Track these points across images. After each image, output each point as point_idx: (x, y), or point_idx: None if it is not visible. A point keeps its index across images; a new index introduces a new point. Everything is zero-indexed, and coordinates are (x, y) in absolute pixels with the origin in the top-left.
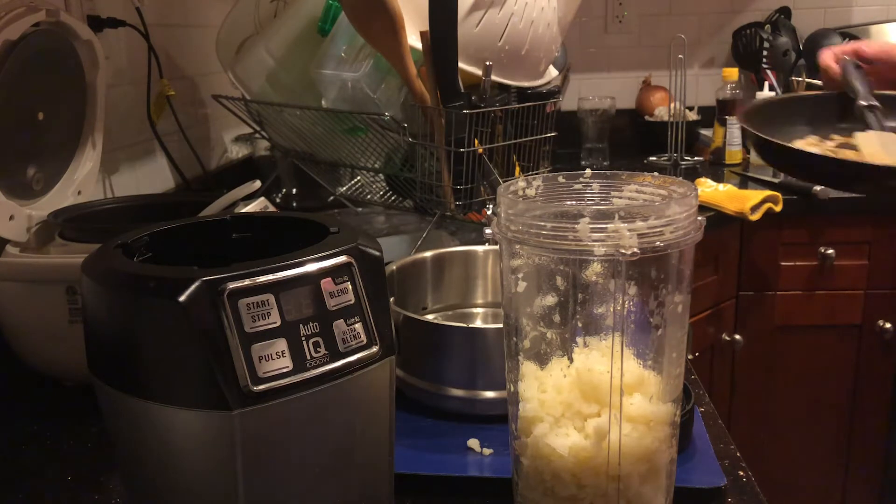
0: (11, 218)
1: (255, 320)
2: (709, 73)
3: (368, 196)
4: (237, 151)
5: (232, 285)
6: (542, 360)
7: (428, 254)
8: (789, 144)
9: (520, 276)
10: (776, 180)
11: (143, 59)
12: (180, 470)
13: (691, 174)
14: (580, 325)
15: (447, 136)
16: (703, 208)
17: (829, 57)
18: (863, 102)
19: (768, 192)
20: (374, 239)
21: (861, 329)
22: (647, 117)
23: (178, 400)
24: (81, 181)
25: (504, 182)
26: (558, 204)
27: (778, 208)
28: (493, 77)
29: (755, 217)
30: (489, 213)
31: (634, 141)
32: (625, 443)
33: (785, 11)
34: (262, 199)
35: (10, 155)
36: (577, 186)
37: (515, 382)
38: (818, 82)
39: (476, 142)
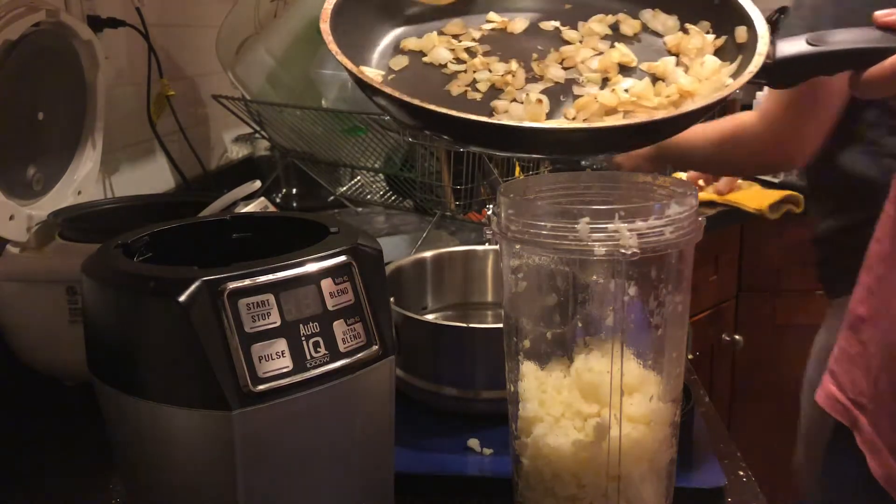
0: (11, 218)
1: (255, 320)
2: None
3: (368, 196)
4: (237, 151)
5: (232, 285)
6: (542, 359)
7: (428, 254)
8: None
9: (520, 276)
10: (776, 180)
11: (143, 59)
12: (180, 469)
13: None
14: (580, 325)
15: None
16: (719, 205)
17: None
18: None
19: (788, 192)
20: (374, 239)
21: None
22: None
23: (178, 400)
24: (81, 181)
25: (504, 182)
26: (558, 204)
27: (799, 209)
28: None
29: (775, 216)
30: (489, 213)
31: None
32: (625, 443)
33: (784, 11)
34: (262, 199)
35: (10, 155)
36: (577, 186)
37: (515, 382)
38: None
39: None
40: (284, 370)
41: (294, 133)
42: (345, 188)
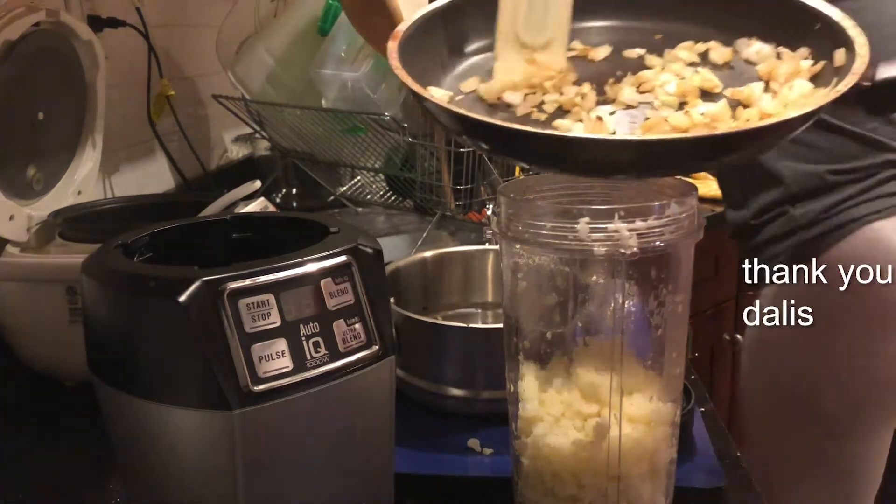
0: (11, 218)
1: (256, 320)
2: None
3: (368, 196)
4: (237, 151)
5: (232, 285)
6: (542, 359)
7: (428, 254)
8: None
9: (520, 276)
10: None
11: (144, 59)
12: (180, 470)
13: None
14: (580, 324)
15: (447, 135)
16: None
17: None
18: None
19: None
20: (374, 239)
21: None
22: None
23: (178, 400)
24: (81, 181)
25: (504, 182)
26: (558, 204)
27: None
28: None
29: None
30: (489, 213)
31: None
32: (625, 443)
33: None
34: (262, 199)
35: (10, 155)
36: (577, 186)
37: (515, 382)
38: None
39: None
40: (284, 370)
41: (294, 133)
42: (345, 188)
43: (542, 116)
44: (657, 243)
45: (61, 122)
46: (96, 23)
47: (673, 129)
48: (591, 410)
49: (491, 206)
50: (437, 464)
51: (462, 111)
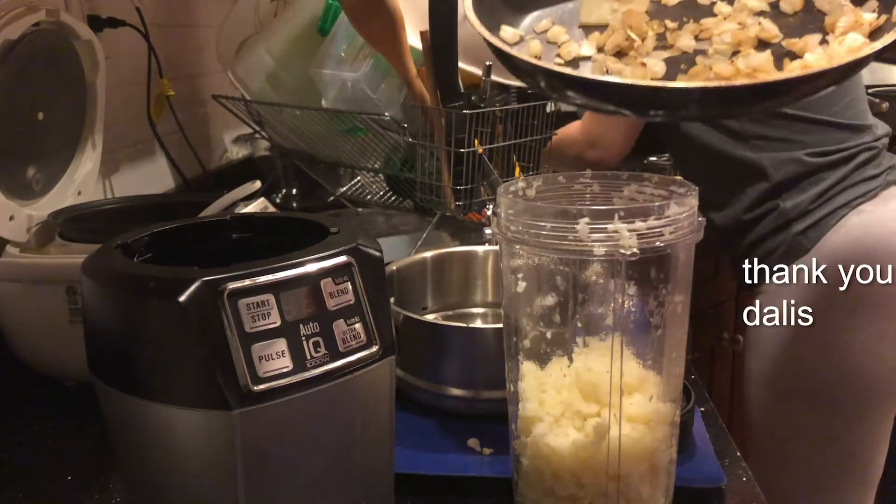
0: (11, 218)
1: (255, 320)
2: None
3: (368, 196)
4: (237, 151)
5: (232, 285)
6: (542, 359)
7: (428, 254)
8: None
9: (520, 276)
10: None
11: (143, 59)
12: (180, 470)
13: None
14: (580, 325)
15: (447, 136)
16: None
17: None
18: None
19: None
20: (374, 239)
21: None
22: None
23: (178, 400)
24: (81, 181)
25: (504, 182)
26: (558, 204)
27: None
28: (493, 77)
29: None
30: (489, 213)
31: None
32: (625, 442)
33: None
34: (262, 199)
35: (10, 155)
36: (577, 186)
37: (515, 382)
38: None
39: (476, 142)
40: (284, 370)
41: (294, 133)
42: (345, 188)
43: (601, 57)
44: (657, 243)
45: (61, 122)
46: (96, 23)
47: (716, 77)
48: (590, 410)
49: (491, 206)
50: (437, 464)
51: (515, 52)
